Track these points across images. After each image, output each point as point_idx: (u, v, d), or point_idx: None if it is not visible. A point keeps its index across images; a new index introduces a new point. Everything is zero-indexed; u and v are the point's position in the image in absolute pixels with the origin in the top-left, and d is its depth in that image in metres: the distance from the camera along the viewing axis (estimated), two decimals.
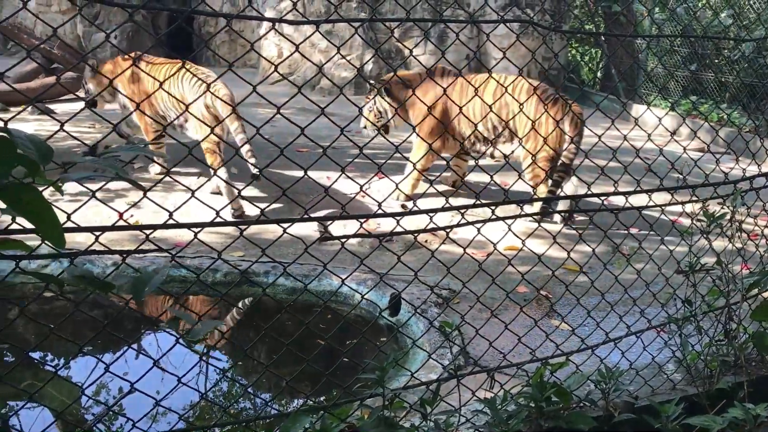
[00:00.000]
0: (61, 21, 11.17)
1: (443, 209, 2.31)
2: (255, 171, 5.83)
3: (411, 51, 2.27)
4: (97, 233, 1.71)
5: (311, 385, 3.54)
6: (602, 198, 2.62)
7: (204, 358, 2.56)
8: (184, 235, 5.08)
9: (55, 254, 1.71)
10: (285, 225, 1.99)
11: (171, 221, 1.76)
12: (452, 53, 11.93)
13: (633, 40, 11.63)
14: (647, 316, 2.78)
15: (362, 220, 2.53)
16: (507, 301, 3.54)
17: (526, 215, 2.88)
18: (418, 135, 5.88)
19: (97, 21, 11.27)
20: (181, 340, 1.88)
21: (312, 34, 1.99)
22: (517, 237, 2.60)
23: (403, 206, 6.22)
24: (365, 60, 11.90)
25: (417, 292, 4.34)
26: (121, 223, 1.77)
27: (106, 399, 3.50)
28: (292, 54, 1.89)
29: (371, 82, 6.36)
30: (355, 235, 2.03)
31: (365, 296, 3.96)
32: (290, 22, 2.16)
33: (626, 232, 2.79)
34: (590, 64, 13.76)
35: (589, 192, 2.61)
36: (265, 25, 11.90)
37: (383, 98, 6.23)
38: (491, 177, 2.60)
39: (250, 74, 9.71)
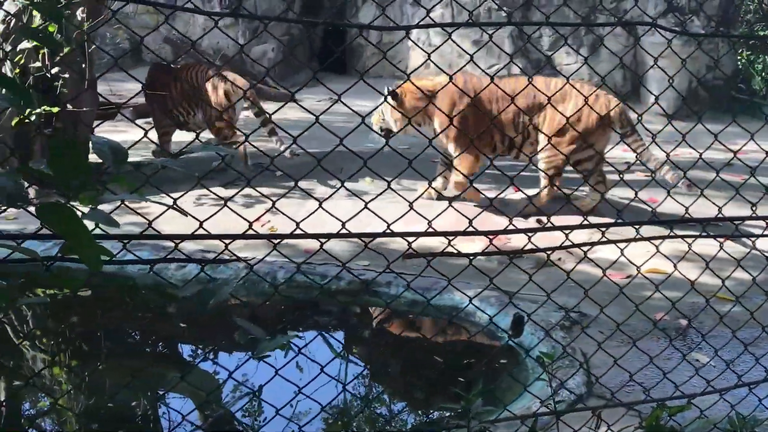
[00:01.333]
0: (224, 36, 11.91)
1: (581, 226, 2.16)
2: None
3: (548, 57, 2.13)
4: (227, 241, 1.72)
5: (419, 402, 3.45)
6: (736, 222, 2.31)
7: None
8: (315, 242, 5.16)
9: (136, 261, 1.75)
10: (410, 239, 1.91)
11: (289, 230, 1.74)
12: (606, 63, 11.38)
13: None
14: None
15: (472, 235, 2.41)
16: (635, 329, 3.25)
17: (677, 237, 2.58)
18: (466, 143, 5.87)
19: (255, 35, 11.89)
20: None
21: (445, 40, 1.92)
22: (669, 260, 2.35)
23: (538, 221, 5.97)
24: (513, 69, 11.64)
25: (542, 313, 4.12)
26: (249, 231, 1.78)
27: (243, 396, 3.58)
28: (424, 63, 1.83)
29: (388, 87, 6.30)
30: (442, 254, 1.92)
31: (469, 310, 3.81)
32: (423, 26, 2.13)
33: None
34: (762, 73, 12.60)
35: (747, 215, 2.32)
36: (415, 37, 12.00)
37: (388, 103, 6.01)
38: (636, 194, 2.37)
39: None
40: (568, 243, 2.01)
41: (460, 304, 4.27)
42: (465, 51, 2.44)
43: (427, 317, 4.47)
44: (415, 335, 4.23)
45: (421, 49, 2.37)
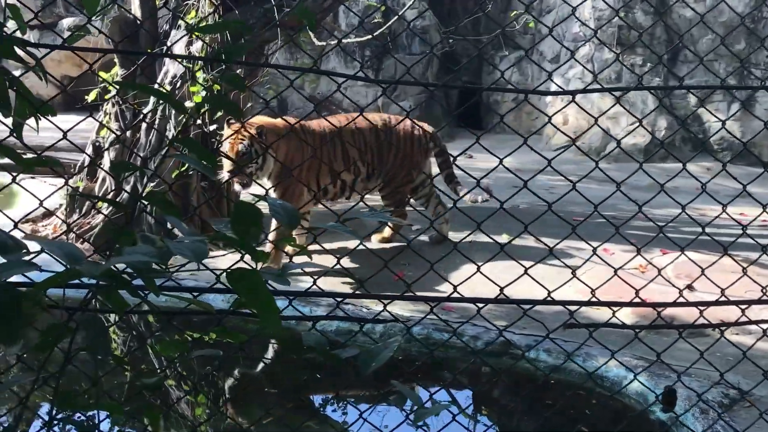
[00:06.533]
0: (365, 94, 12.36)
1: (761, 301, 2.02)
2: None
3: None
4: (386, 301, 1.76)
5: None
6: None
7: None
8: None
9: (302, 317, 1.80)
10: (573, 308, 1.86)
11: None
12: (761, 117, 10.74)
13: None
14: None
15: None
16: None
17: None
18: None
19: (395, 93, 12.25)
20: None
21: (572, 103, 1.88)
22: None
23: (689, 287, 5.60)
24: (657, 126, 11.24)
25: (696, 387, 3.84)
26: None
27: None
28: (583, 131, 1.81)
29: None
30: (605, 325, 1.84)
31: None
32: (589, 91, 2.11)
33: None
34: None
35: None
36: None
37: (256, 142, 5.20)
38: None
39: (533, 141, 9.69)
40: (744, 319, 1.87)
41: (604, 372, 4.07)
42: (592, 112, 2.39)
43: (568, 382, 4.28)
44: (556, 402, 4.05)
45: (559, 111, 2.35)
